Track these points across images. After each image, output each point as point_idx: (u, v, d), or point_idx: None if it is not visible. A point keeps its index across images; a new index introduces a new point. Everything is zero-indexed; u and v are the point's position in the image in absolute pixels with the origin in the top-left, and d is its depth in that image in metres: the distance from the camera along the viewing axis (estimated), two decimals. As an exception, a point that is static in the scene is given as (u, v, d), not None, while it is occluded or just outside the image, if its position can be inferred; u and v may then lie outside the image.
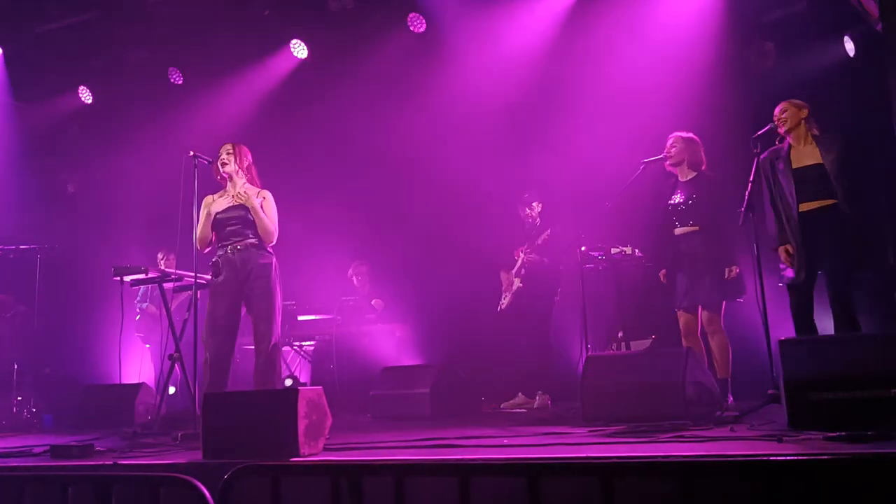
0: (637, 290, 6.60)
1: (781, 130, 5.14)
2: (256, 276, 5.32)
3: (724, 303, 5.68)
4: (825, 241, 4.95)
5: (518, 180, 7.63)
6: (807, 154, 5.09)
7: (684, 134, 5.88)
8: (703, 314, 5.71)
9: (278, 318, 5.39)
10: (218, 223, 5.43)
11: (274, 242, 5.48)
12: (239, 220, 5.40)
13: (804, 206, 5.04)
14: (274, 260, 5.44)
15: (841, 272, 4.92)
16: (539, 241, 6.97)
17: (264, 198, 5.49)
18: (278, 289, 5.40)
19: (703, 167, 5.86)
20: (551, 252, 6.94)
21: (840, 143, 5.02)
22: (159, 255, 8.28)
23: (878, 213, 6.59)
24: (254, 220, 5.39)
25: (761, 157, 5.23)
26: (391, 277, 8.46)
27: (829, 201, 4.99)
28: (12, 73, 9.20)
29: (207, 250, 5.52)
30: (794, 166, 5.10)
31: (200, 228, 5.48)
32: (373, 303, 8.28)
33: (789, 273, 5.07)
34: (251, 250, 5.37)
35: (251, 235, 5.40)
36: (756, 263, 4.92)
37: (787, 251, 5.11)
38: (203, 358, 5.29)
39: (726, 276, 5.58)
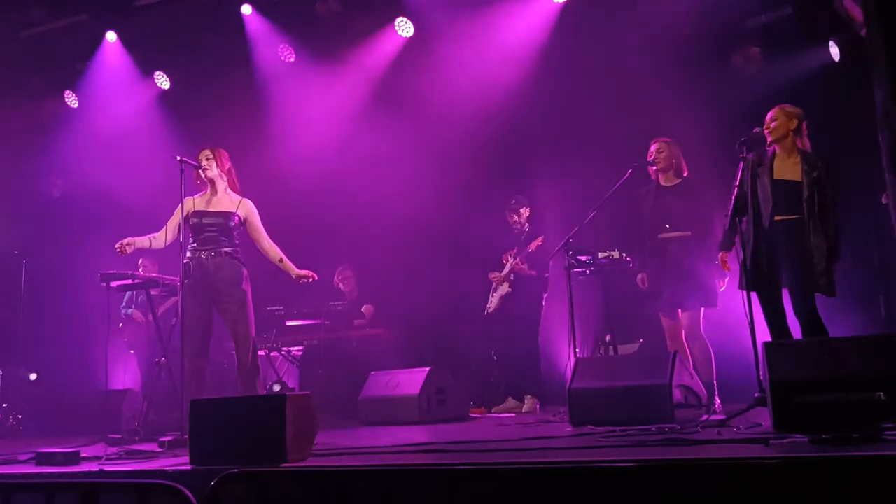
0: (625, 294, 6.62)
1: (769, 139, 5.11)
2: (229, 282, 5.44)
3: (702, 308, 5.70)
4: (789, 257, 4.93)
5: (506, 184, 7.64)
6: (789, 168, 5.01)
7: (667, 139, 5.91)
8: (683, 318, 5.74)
9: (253, 325, 5.51)
10: (196, 227, 5.48)
11: (267, 247, 5.68)
12: (217, 228, 5.51)
13: (778, 217, 5.00)
14: (245, 269, 5.56)
15: (799, 293, 4.90)
16: (531, 248, 6.95)
17: (248, 211, 5.64)
18: (250, 298, 5.53)
19: (685, 171, 5.89)
20: (542, 261, 6.94)
21: (822, 166, 4.94)
22: (140, 263, 8.18)
23: (863, 218, 6.64)
24: (229, 227, 5.52)
25: (748, 156, 5.21)
26: (379, 282, 8.45)
27: (798, 216, 4.93)
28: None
29: (168, 243, 5.60)
30: (775, 177, 5.06)
31: (169, 223, 5.59)
32: (363, 309, 8.27)
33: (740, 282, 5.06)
34: (225, 258, 5.48)
35: (227, 244, 5.52)
36: (741, 267, 4.94)
37: (723, 260, 5.18)
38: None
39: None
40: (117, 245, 5.50)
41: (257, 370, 5.58)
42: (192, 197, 5.65)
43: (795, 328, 5.01)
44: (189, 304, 5.35)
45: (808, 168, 4.95)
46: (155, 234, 5.63)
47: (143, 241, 5.61)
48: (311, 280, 5.64)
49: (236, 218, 5.57)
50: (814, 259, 4.83)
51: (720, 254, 5.25)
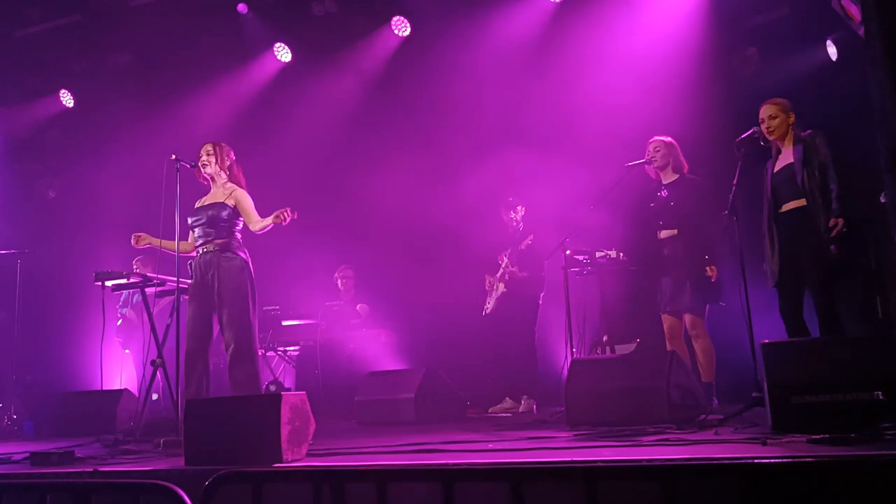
0: (621, 293, 6.60)
1: (771, 138, 5.11)
2: (220, 280, 5.27)
3: (707, 307, 5.69)
4: (803, 248, 4.93)
5: (502, 184, 7.63)
6: (789, 155, 5.09)
7: (665, 138, 5.91)
8: (686, 318, 5.72)
9: (250, 320, 5.27)
10: (192, 226, 5.44)
11: (258, 228, 5.40)
12: (206, 221, 5.39)
13: (784, 207, 5.04)
14: (240, 261, 5.35)
15: (818, 285, 4.91)
16: (522, 247, 6.96)
17: (237, 197, 5.43)
18: (248, 291, 5.30)
19: (685, 169, 5.88)
20: (533, 260, 6.93)
21: (811, 138, 4.98)
22: (134, 265, 8.10)
23: (860, 218, 6.63)
24: (220, 218, 5.36)
25: (742, 154, 5.21)
26: (376, 282, 8.44)
27: (803, 201, 4.96)
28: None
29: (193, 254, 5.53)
30: (775, 169, 5.12)
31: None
32: (357, 308, 8.25)
33: (769, 275, 5.06)
34: (216, 253, 5.33)
35: (219, 235, 5.36)
36: (740, 267, 4.94)
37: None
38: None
39: (709, 274, 5.60)
40: (133, 236, 5.50)
41: (246, 377, 5.18)
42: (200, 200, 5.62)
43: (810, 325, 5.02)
44: (190, 305, 5.35)
45: (804, 150, 4.99)
46: (185, 241, 5.54)
47: (168, 244, 5.52)
48: (289, 217, 5.18)
49: (226, 208, 5.39)
50: (826, 252, 4.83)
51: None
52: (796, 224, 4.96)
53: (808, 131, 5.06)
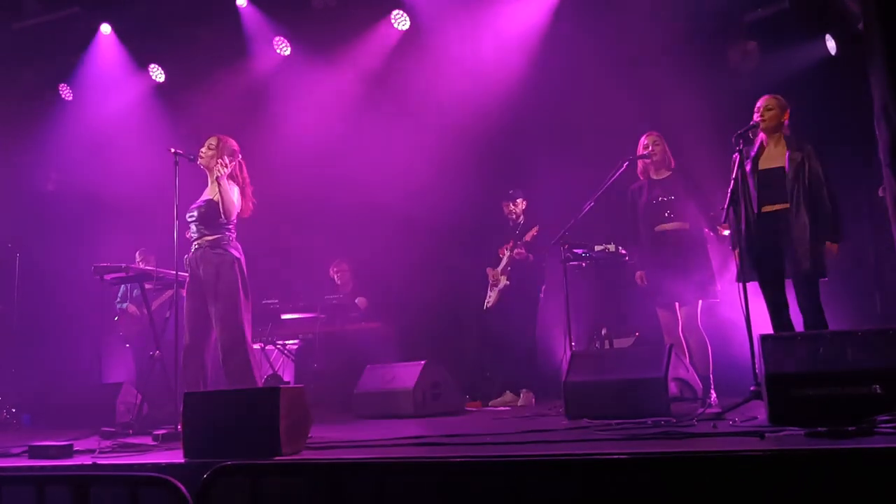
0: (620, 287, 6.60)
1: (761, 126, 5.12)
2: (211, 275, 5.23)
3: (700, 301, 5.69)
4: (786, 249, 4.94)
5: (501, 177, 7.62)
6: (776, 155, 5.09)
7: (658, 132, 5.89)
8: (680, 311, 5.72)
9: (241, 315, 5.22)
10: (188, 222, 5.40)
11: (233, 217, 5.32)
12: (198, 217, 5.34)
13: (766, 208, 5.04)
14: (230, 257, 5.28)
15: (803, 286, 4.92)
16: (527, 238, 6.97)
17: (221, 188, 5.28)
18: (238, 286, 5.24)
19: (673, 164, 5.88)
20: (538, 249, 6.95)
21: (807, 147, 5.01)
22: (137, 256, 8.11)
23: (858, 214, 6.63)
24: (208, 214, 5.30)
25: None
26: (375, 275, 8.43)
27: (786, 205, 4.98)
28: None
29: None
30: (760, 167, 5.12)
31: None
32: (356, 301, 8.25)
33: (737, 274, 5.06)
34: (207, 250, 5.29)
35: (207, 232, 5.31)
36: (738, 259, 4.93)
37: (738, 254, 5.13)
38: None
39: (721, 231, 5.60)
40: None
41: (238, 372, 5.13)
42: None
43: (798, 321, 5.02)
44: (186, 299, 5.34)
45: (792, 152, 4.99)
46: None
47: None
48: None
49: (213, 204, 5.30)
50: (799, 244, 4.83)
51: (735, 251, 5.19)
52: (782, 224, 4.97)
53: (802, 142, 5.06)
